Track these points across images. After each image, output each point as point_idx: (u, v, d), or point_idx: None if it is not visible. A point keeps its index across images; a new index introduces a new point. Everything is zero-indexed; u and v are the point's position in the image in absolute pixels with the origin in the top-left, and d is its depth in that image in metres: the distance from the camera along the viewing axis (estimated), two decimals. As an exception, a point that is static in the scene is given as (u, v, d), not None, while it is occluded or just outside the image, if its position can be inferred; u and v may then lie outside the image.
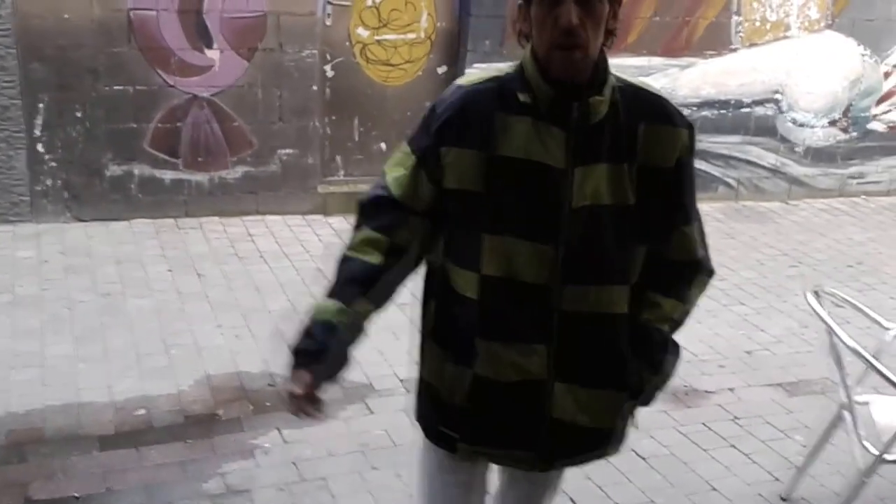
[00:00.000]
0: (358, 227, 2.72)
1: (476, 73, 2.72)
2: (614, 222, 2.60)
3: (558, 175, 2.54)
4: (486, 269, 2.60)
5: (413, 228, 2.67)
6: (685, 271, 2.81)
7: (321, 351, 2.63)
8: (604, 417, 2.76)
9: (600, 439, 2.81)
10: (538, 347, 2.64)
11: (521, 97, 2.56)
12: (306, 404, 2.63)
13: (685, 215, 2.78)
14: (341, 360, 2.71)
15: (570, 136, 2.54)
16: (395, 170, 2.68)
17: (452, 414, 2.78)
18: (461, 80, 2.69)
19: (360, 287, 2.66)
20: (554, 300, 2.61)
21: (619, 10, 2.54)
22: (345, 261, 2.70)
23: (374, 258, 2.66)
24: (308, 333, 2.65)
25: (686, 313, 2.85)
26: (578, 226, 2.57)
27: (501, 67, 2.66)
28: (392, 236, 2.66)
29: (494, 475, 3.20)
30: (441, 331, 2.79)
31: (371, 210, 2.70)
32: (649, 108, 2.64)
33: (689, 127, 2.71)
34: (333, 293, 2.67)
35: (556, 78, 2.51)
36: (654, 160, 2.64)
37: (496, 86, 2.60)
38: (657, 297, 2.77)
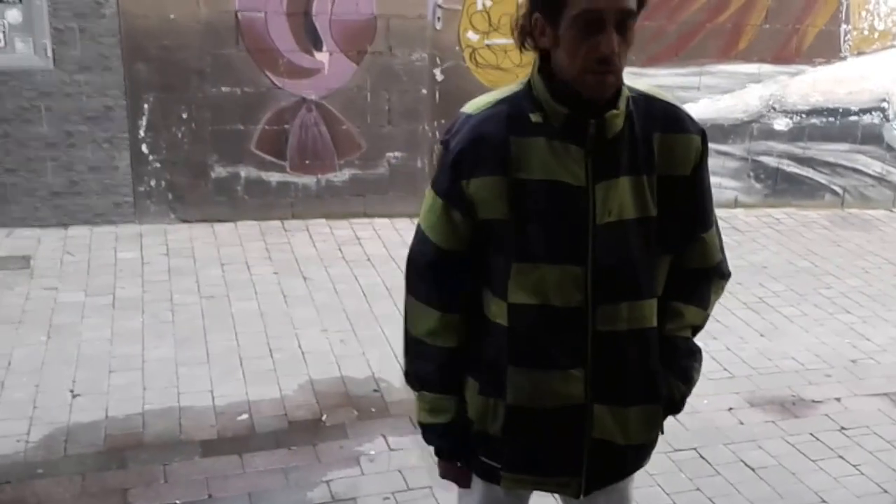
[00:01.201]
0: (417, 294, 2.67)
1: (482, 98, 2.58)
2: (640, 235, 2.53)
3: (579, 193, 2.46)
4: (514, 296, 2.52)
5: (466, 279, 2.62)
6: (705, 277, 2.78)
7: (452, 450, 2.76)
8: (642, 433, 2.72)
9: (640, 454, 2.79)
10: (575, 372, 2.56)
11: (534, 117, 2.47)
12: (460, 481, 2.83)
13: (705, 222, 2.73)
14: (466, 444, 2.74)
15: (588, 153, 2.46)
16: (427, 218, 2.60)
17: (491, 444, 2.70)
18: (468, 108, 2.56)
19: (453, 373, 2.70)
20: (587, 322, 2.54)
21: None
22: (424, 346, 2.68)
23: (451, 341, 2.66)
24: (437, 434, 2.74)
25: (706, 318, 2.81)
26: (605, 243, 2.50)
27: (508, 89, 2.56)
28: (457, 309, 2.63)
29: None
30: (472, 361, 2.70)
31: (426, 273, 2.64)
32: (662, 116, 2.56)
33: (702, 133, 2.61)
34: (434, 386, 2.71)
35: (588, 98, 2.40)
36: (672, 169, 2.56)
37: (506, 108, 2.50)
38: (679, 306, 2.73)
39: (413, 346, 2.69)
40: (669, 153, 2.54)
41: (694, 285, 2.74)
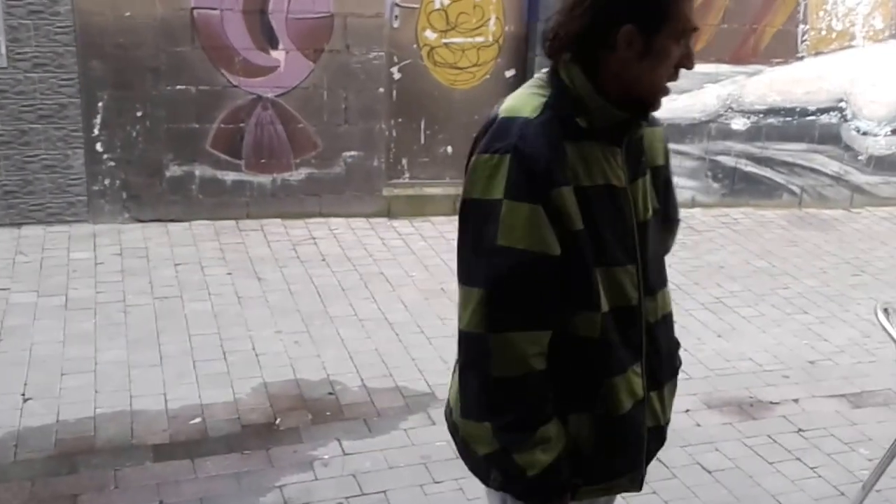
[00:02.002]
0: (512, 324, 2.37)
1: (520, 100, 2.45)
2: (657, 227, 2.65)
3: (624, 194, 2.50)
4: (604, 304, 2.47)
5: (559, 291, 2.43)
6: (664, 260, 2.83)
7: (568, 480, 2.52)
8: (671, 408, 2.79)
9: (667, 430, 2.81)
10: (637, 368, 2.57)
11: (581, 121, 2.41)
12: None
13: (677, 207, 2.87)
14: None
15: (624, 154, 2.50)
16: (525, 233, 2.33)
17: (575, 463, 2.54)
18: (523, 112, 2.40)
19: (549, 400, 2.47)
20: (641, 317, 2.58)
21: None
22: (527, 381, 2.40)
23: (541, 364, 2.41)
24: (559, 470, 2.46)
25: None
26: (644, 239, 2.56)
27: (534, 91, 2.46)
28: (550, 329, 2.42)
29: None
30: (552, 382, 2.49)
31: (533, 290, 2.38)
32: None
33: (662, 125, 2.75)
34: (548, 414, 2.45)
35: (656, 106, 2.48)
36: (655, 160, 2.67)
37: (553, 113, 2.40)
38: (664, 288, 2.76)
39: (514, 390, 2.39)
40: (652, 146, 2.64)
41: (664, 267, 2.78)
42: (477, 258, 2.38)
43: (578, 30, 2.37)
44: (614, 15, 2.34)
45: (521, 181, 2.32)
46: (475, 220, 2.38)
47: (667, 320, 2.72)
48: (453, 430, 2.65)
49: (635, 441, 2.62)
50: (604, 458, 2.58)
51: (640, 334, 2.57)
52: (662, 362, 2.68)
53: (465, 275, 2.42)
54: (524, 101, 2.43)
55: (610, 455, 2.59)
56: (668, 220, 2.78)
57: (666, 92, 2.43)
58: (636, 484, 2.71)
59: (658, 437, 2.73)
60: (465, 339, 2.41)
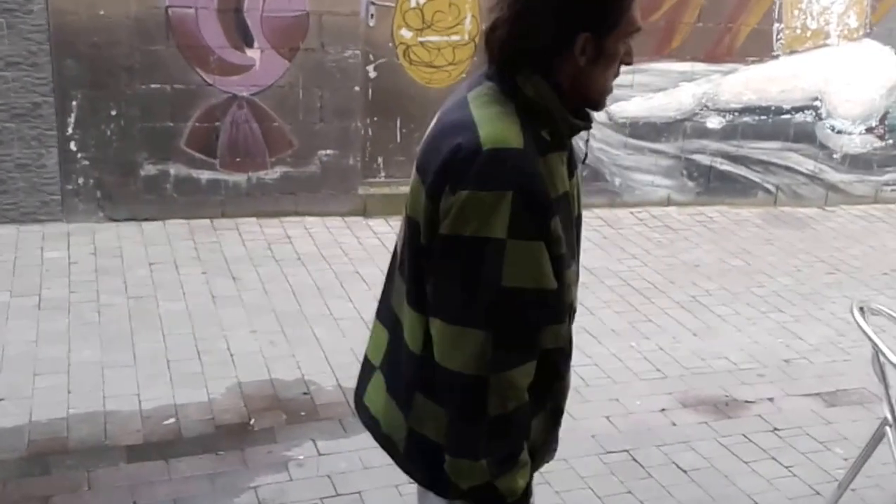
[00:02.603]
0: (522, 359, 2.36)
1: (498, 127, 2.30)
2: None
3: (570, 195, 2.49)
4: (569, 310, 2.55)
5: None
6: None
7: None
8: None
9: None
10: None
11: (544, 133, 2.37)
12: None
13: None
14: None
15: (565, 156, 2.49)
16: (533, 271, 2.31)
17: (539, 457, 2.62)
18: (510, 142, 2.28)
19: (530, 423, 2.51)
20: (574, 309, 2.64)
21: None
22: (524, 409, 2.41)
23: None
24: (524, 495, 2.45)
25: None
26: (579, 233, 2.61)
27: (495, 109, 2.34)
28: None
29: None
30: (540, 397, 2.53)
31: (536, 328, 2.39)
32: None
33: None
34: (525, 445, 2.45)
35: (602, 107, 2.49)
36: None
37: (526, 132, 2.31)
38: None
39: (511, 423, 2.38)
40: None
41: None
42: (472, 299, 2.29)
43: (535, 42, 2.32)
44: (573, 24, 2.31)
45: (527, 219, 2.25)
46: (468, 259, 2.28)
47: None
48: (387, 443, 2.67)
49: (560, 424, 2.70)
50: (546, 448, 2.65)
51: (570, 321, 2.59)
52: None
53: (456, 315, 2.33)
54: (503, 127, 2.30)
55: (552, 441, 2.68)
56: None
57: (611, 91, 2.45)
58: (554, 453, 2.77)
59: None
60: (458, 381, 2.33)
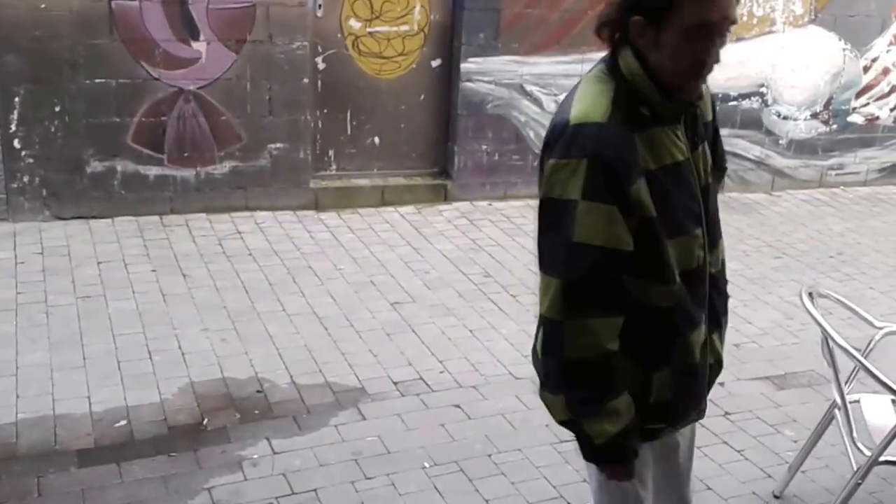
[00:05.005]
0: (592, 312, 2.65)
1: (588, 103, 2.66)
2: (715, 187, 2.92)
3: (687, 166, 2.74)
4: (677, 275, 2.74)
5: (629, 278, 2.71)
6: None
7: (635, 452, 2.83)
8: (723, 346, 3.06)
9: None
10: (703, 315, 2.86)
11: (644, 110, 2.65)
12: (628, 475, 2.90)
13: (725, 157, 3.12)
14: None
15: (684, 129, 2.74)
16: (602, 232, 2.59)
17: (656, 411, 2.87)
18: (593, 116, 2.61)
19: (618, 377, 2.75)
20: (706, 272, 2.86)
21: None
22: (600, 363, 2.69)
23: (613, 345, 2.70)
24: (627, 437, 2.76)
25: None
26: (708, 202, 2.84)
27: (598, 87, 2.68)
28: (622, 314, 2.70)
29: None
30: (635, 349, 2.79)
31: (613, 281, 2.66)
32: None
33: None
34: (619, 391, 2.74)
35: (686, 99, 2.70)
36: (705, 117, 2.90)
37: (620, 110, 2.62)
38: (721, 238, 3.03)
39: (590, 369, 2.69)
40: (704, 105, 2.88)
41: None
42: (556, 251, 2.65)
43: (604, 18, 2.65)
44: (626, 5, 2.59)
45: (599, 183, 2.56)
46: (554, 216, 2.64)
47: (723, 269, 3.00)
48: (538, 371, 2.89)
49: (701, 380, 2.94)
50: (681, 403, 2.91)
51: (705, 288, 2.86)
52: (720, 308, 2.98)
53: (545, 264, 2.70)
54: (592, 103, 2.64)
55: (686, 399, 2.92)
56: (718, 170, 3.02)
57: (692, 87, 2.66)
58: (701, 414, 3.08)
59: (716, 369, 3.02)
60: (544, 322, 2.70)
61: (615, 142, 2.57)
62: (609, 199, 2.56)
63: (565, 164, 2.59)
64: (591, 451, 2.79)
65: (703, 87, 2.81)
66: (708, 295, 2.88)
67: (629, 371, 2.78)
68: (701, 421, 5.14)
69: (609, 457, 2.81)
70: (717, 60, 2.62)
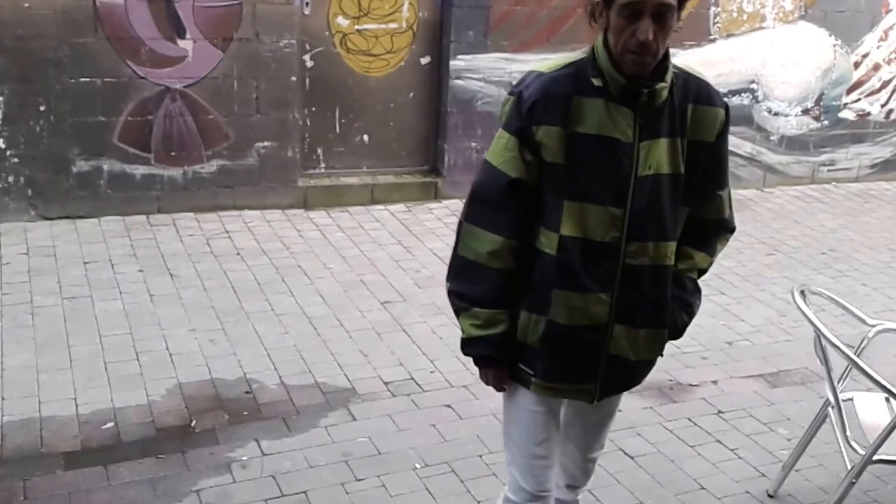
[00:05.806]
0: (479, 221, 3.10)
1: (553, 60, 3.09)
2: (670, 188, 3.07)
3: (627, 148, 2.99)
4: (564, 229, 3.02)
5: (527, 210, 3.06)
6: (714, 228, 3.38)
7: (502, 357, 3.22)
8: (650, 352, 3.28)
9: (644, 370, 3.36)
10: (603, 296, 3.09)
11: (595, 81, 2.97)
12: (498, 385, 3.32)
13: (721, 182, 3.29)
14: (510, 355, 3.23)
15: (637, 116, 2.98)
16: (501, 154, 3.06)
17: (528, 355, 3.19)
18: (540, 68, 3.07)
19: (507, 291, 3.14)
20: (620, 255, 3.06)
21: (683, 12, 2.94)
22: (480, 268, 3.11)
23: (510, 264, 3.10)
24: (488, 345, 3.17)
25: (711, 264, 3.44)
26: (643, 192, 3.03)
27: (575, 55, 3.06)
28: (517, 235, 3.07)
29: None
30: (521, 283, 3.15)
31: (495, 200, 3.07)
32: (696, 90, 3.10)
33: (726, 107, 3.17)
34: (491, 303, 3.13)
35: (627, 73, 2.93)
36: (700, 135, 3.11)
37: (573, 71, 3.01)
38: (691, 251, 3.32)
39: (467, 269, 3.12)
40: (700, 122, 3.09)
41: (705, 234, 3.34)
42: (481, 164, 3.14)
43: (586, 5, 3.01)
44: None
45: (512, 117, 3.03)
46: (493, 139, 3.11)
47: (659, 272, 3.14)
48: None
49: (585, 355, 3.18)
50: (550, 360, 3.17)
51: (613, 269, 3.07)
52: (640, 305, 3.14)
53: None
54: (552, 63, 3.07)
55: (555, 358, 3.17)
56: (703, 189, 3.20)
57: (627, 60, 2.89)
58: (587, 396, 3.28)
59: (624, 368, 3.24)
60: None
61: (544, 90, 2.97)
62: (512, 130, 3.02)
63: (507, 100, 3.08)
64: (462, 341, 3.20)
65: (715, 110, 3.11)
66: (621, 285, 3.09)
67: (512, 300, 3.16)
68: (690, 418, 5.33)
69: (474, 356, 3.21)
70: (647, 37, 2.80)
